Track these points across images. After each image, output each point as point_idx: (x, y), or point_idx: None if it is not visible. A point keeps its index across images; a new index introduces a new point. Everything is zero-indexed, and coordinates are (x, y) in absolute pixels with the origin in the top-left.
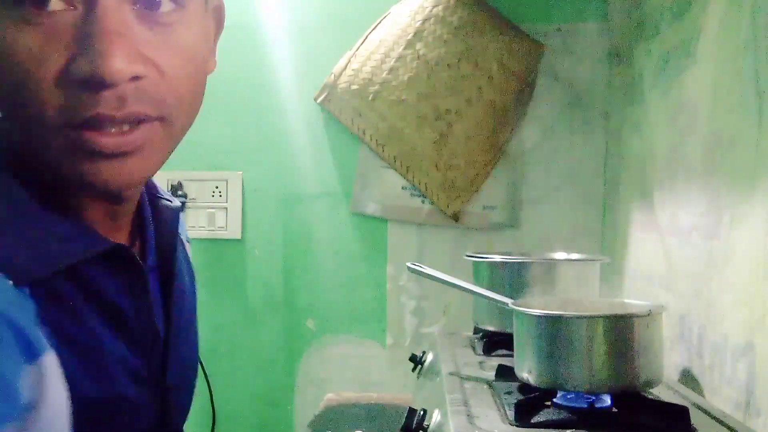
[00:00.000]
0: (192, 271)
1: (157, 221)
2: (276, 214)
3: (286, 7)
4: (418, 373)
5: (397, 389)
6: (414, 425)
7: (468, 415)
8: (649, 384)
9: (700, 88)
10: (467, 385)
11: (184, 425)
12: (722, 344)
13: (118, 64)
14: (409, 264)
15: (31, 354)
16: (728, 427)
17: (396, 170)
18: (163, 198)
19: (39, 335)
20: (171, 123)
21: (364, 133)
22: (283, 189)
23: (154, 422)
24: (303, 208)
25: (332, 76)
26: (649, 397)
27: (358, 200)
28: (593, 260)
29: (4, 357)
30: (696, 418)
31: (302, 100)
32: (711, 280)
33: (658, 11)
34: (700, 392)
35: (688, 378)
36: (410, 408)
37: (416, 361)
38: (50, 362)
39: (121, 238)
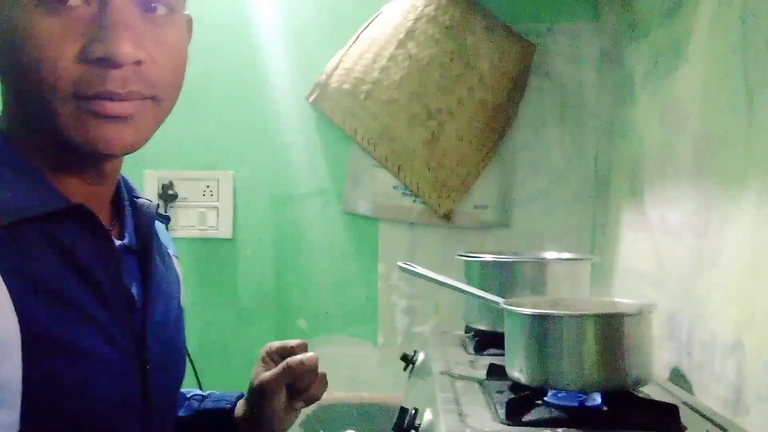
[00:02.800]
0: (178, 281)
1: (135, 212)
2: (267, 214)
3: (277, 6)
4: (410, 373)
5: (389, 388)
6: (405, 424)
7: (459, 414)
8: (639, 382)
9: (690, 87)
10: (458, 383)
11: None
12: (711, 342)
13: (127, 48)
14: (400, 263)
15: None
16: (717, 425)
17: (387, 169)
18: (142, 198)
19: None
20: (159, 102)
21: (355, 133)
22: (275, 188)
23: (134, 392)
24: (294, 207)
25: (324, 75)
26: (639, 395)
27: (349, 199)
28: (584, 259)
29: None
30: (685, 416)
31: (294, 99)
32: (700, 279)
33: (648, 12)
34: (690, 390)
35: (677, 376)
36: (402, 407)
37: (407, 360)
38: None
39: (103, 219)
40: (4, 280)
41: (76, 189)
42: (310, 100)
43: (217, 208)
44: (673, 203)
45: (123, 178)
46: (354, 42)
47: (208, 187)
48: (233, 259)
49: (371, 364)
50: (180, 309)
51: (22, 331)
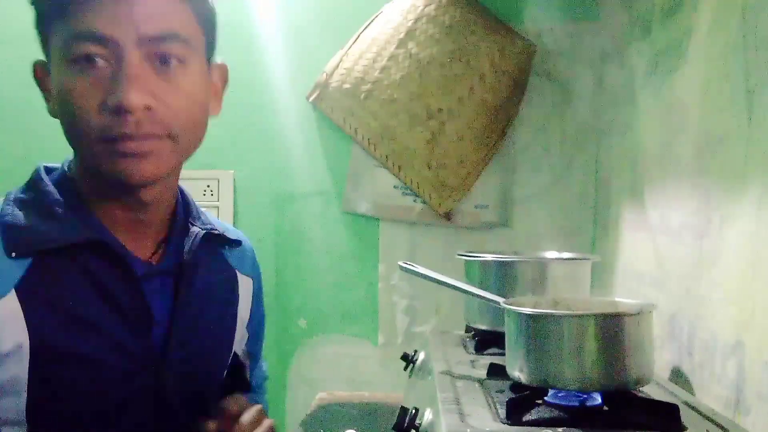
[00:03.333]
0: (231, 300)
1: (182, 237)
2: (268, 213)
3: (278, 6)
4: (410, 372)
5: (389, 388)
6: (406, 424)
7: (459, 414)
8: (640, 382)
9: (691, 87)
10: (459, 383)
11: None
12: (712, 343)
13: (135, 97)
14: (401, 263)
15: None
16: (718, 425)
17: (388, 169)
18: (196, 225)
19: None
20: (176, 139)
21: (356, 132)
22: (275, 188)
23: (144, 396)
24: (295, 207)
25: (324, 75)
26: (640, 395)
27: (350, 199)
28: (584, 259)
29: None
30: (686, 416)
31: (294, 99)
32: (701, 279)
33: (649, 12)
34: (690, 390)
35: (678, 376)
36: (402, 407)
37: (408, 359)
38: (5, 306)
39: (146, 246)
40: (18, 298)
41: (119, 216)
42: (311, 99)
43: (217, 207)
44: (674, 203)
45: (187, 204)
46: (354, 42)
47: (208, 186)
48: None
49: (371, 363)
50: (225, 325)
51: (30, 339)
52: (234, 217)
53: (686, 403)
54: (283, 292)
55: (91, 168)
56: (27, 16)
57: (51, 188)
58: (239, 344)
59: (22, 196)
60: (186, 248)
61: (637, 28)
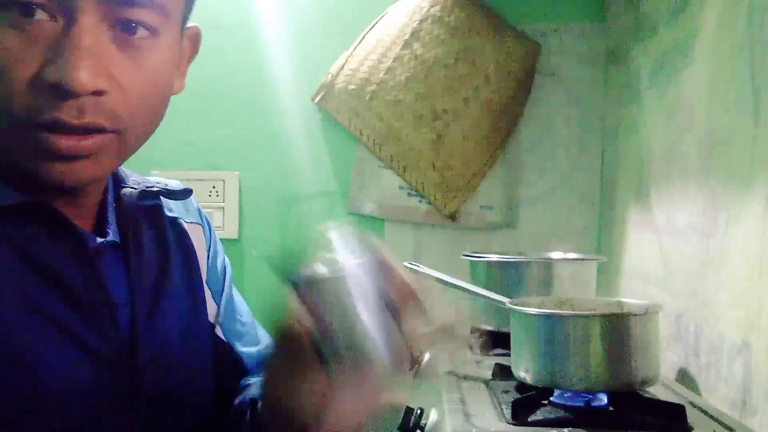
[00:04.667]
0: (189, 258)
1: (118, 205)
2: (273, 214)
3: (283, 7)
4: (415, 373)
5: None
6: (411, 424)
7: (465, 414)
8: (646, 383)
9: (697, 87)
10: (464, 384)
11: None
12: (718, 343)
13: (84, 77)
14: (406, 263)
15: None
16: (725, 426)
17: (393, 170)
18: (127, 186)
19: None
20: (125, 135)
21: (361, 133)
22: (280, 189)
23: (116, 394)
24: (300, 208)
25: (329, 75)
26: (646, 395)
27: (355, 200)
28: (590, 260)
29: None
30: (692, 417)
31: (299, 100)
32: (707, 279)
33: (654, 11)
34: (697, 391)
35: (684, 377)
36: (407, 407)
37: (413, 360)
38: None
39: (85, 221)
40: None
41: (55, 197)
42: (316, 100)
43: (223, 208)
44: (680, 203)
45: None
46: (359, 43)
47: (214, 187)
48: (239, 260)
49: None
50: (193, 295)
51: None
52: (239, 217)
53: (692, 404)
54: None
55: (7, 162)
56: None
57: None
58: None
59: None
60: (126, 214)
61: (643, 28)
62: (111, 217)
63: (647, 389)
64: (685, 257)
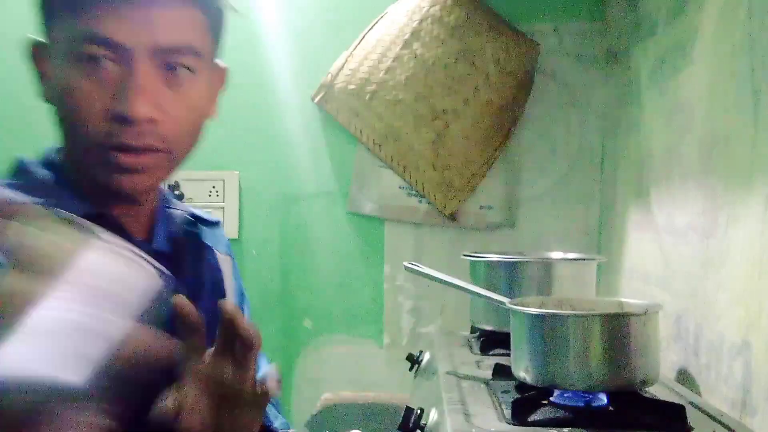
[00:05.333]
0: (218, 278)
1: (167, 221)
2: (273, 214)
3: (283, 7)
4: (415, 373)
5: (394, 389)
6: (411, 424)
7: (465, 414)
8: (646, 383)
9: (696, 87)
10: (464, 384)
11: None
12: (718, 343)
13: (141, 109)
14: (406, 263)
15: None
16: (725, 426)
17: (393, 170)
18: (175, 208)
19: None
20: (173, 153)
21: (361, 133)
22: (280, 189)
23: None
24: (300, 207)
25: (329, 75)
26: (646, 395)
27: (355, 200)
28: (590, 259)
29: None
30: (692, 417)
31: (299, 100)
32: (707, 279)
33: (654, 12)
34: (697, 391)
35: (684, 377)
36: (407, 407)
37: (413, 360)
38: None
39: (139, 229)
40: None
41: (117, 208)
42: (316, 100)
43: (222, 208)
44: (680, 203)
45: (162, 193)
46: (359, 43)
47: (213, 187)
48: (239, 260)
49: (377, 364)
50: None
51: None
52: (239, 217)
53: (692, 404)
54: (288, 292)
55: (82, 168)
56: (28, 18)
57: (43, 172)
58: None
59: (13, 182)
60: (173, 230)
61: (643, 28)
62: (160, 231)
63: (647, 389)
64: (685, 257)
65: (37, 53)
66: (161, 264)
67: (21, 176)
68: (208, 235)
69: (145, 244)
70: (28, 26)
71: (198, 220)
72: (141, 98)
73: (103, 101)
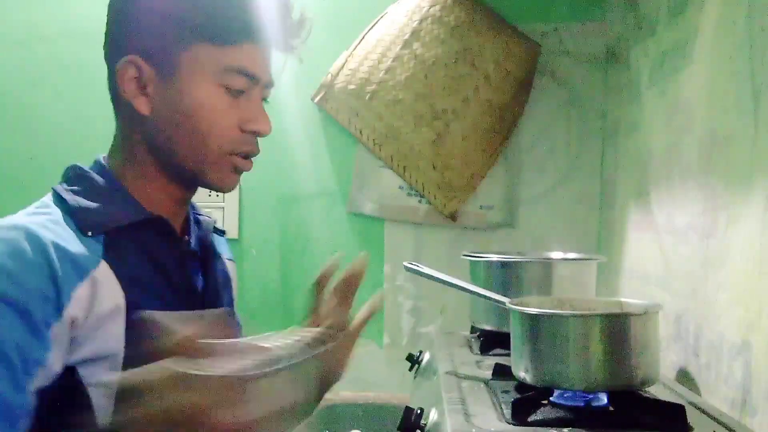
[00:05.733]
0: (229, 280)
1: (197, 224)
2: (273, 214)
3: None
4: (415, 373)
5: (394, 388)
6: (411, 424)
7: (465, 414)
8: (646, 382)
9: (697, 87)
10: (464, 384)
11: None
12: (718, 343)
13: (268, 127)
14: (406, 263)
15: (83, 272)
16: (724, 426)
17: (393, 170)
18: (202, 215)
19: (91, 261)
20: None
21: (361, 133)
22: (280, 189)
23: None
24: (300, 207)
25: (329, 75)
26: (646, 395)
27: (355, 200)
28: (590, 259)
29: (61, 278)
30: (692, 417)
31: (299, 100)
32: (707, 279)
33: (654, 12)
34: (697, 391)
35: (684, 377)
36: (407, 407)
37: (413, 360)
38: (101, 274)
39: (179, 230)
40: (109, 266)
41: (163, 210)
42: (316, 100)
43: (222, 208)
44: (680, 203)
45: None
46: (359, 43)
47: None
48: (239, 260)
49: (377, 364)
50: (230, 302)
51: (126, 300)
52: (239, 218)
53: (692, 404)
54: (287, 292)
55: (194, 172)
56: (29, 18)
57: (100, 179)
58: None
59: (74, 188)
60: (203, 234)
61: (643, 28)
62: (193, 233)
63: (647, 389)
64: (685, 257)
65: (136, 71)
66: (194, 263)
67: (80, 182)
68: (219, 242)
69: (186, 243)
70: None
71: (215, 226)
72: (267, 118)
73: (234, 117)
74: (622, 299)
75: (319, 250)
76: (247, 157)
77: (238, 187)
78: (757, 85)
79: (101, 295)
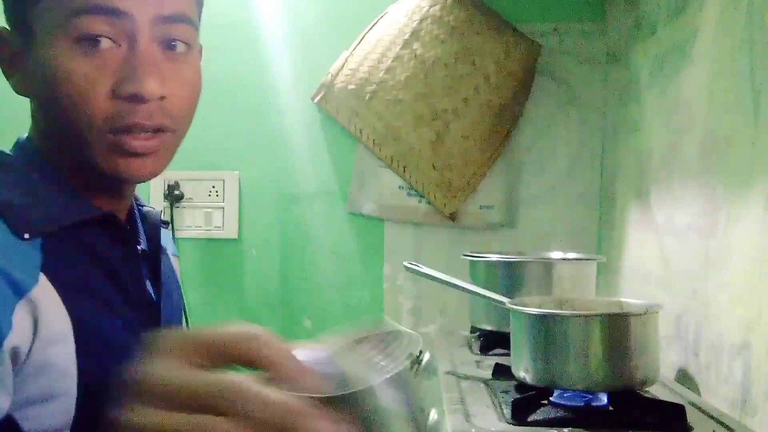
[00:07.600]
0: (177, 280)
1: (143, 220)
2: (273, 214)
3: (283, 7)
4: (415, 373)
5: None
6: None
7: (465, 414)
8: (646, 382)
9: (696, 87)
10: (464, 384)
11: None
12: (718, 343)
13: (153, 86)
14: (406, 263)
15: (21, 291)
16: (724, 425)
17: (393, 170)
18: (146, 206)
19: (28, 275)
20: (177, 134)
21: (361, 133)
22: (280, 189)
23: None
24: (300, 207)
25: (329, 75)
26: (646, 395)
27: (355, 200)
28: (590, 259)
29: None
30: (692, 417)
31: (299, 100)
32: (707, 279)
33: (654, 11)
34: (697, 391)
35: (684, 377)
36: None
37: (413, 360)
38: (41, 294)
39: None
40: (53, 283)
41: (101, 203)
42: (316, 100)
43: (222, 208)
44: (680, 203)
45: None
46: (359, 42)
47: (213, 187)
48: (239, 260)
49: None
50: (179, 306)
51: (72, 325)
52: (239, 217)
53: (692, 404)
54: (287, 292)
55: (81, 157)
56: None
57: (28, 166)
58: None
59: None
60: (152, 230)
61: (643, 28)
62: (141, 228)
63: (647, 389)
64: (685, 257)
65: (7, 44)
66: (145, 265)
67: (2, 171)
68: (163, 235)
69: (136, 244)
70: None
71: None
72: (151, 75)
73: (106, 82)
74: (622, 299)
75: (319, 250)
76: (132, 131)
77: (237, 187)
78: (757, 85)
79: (44, 315)
